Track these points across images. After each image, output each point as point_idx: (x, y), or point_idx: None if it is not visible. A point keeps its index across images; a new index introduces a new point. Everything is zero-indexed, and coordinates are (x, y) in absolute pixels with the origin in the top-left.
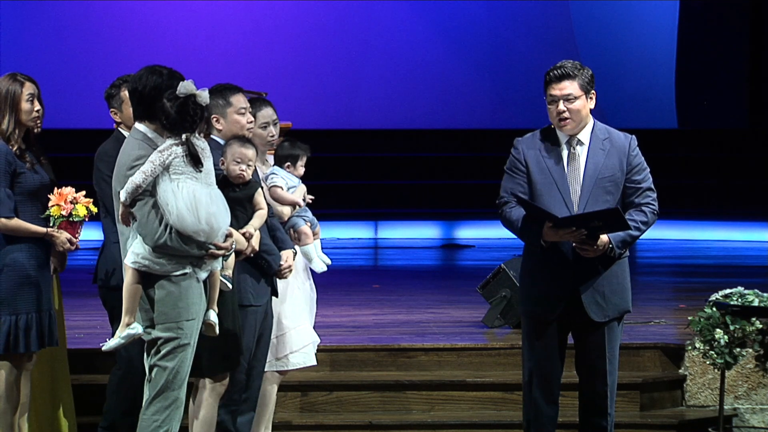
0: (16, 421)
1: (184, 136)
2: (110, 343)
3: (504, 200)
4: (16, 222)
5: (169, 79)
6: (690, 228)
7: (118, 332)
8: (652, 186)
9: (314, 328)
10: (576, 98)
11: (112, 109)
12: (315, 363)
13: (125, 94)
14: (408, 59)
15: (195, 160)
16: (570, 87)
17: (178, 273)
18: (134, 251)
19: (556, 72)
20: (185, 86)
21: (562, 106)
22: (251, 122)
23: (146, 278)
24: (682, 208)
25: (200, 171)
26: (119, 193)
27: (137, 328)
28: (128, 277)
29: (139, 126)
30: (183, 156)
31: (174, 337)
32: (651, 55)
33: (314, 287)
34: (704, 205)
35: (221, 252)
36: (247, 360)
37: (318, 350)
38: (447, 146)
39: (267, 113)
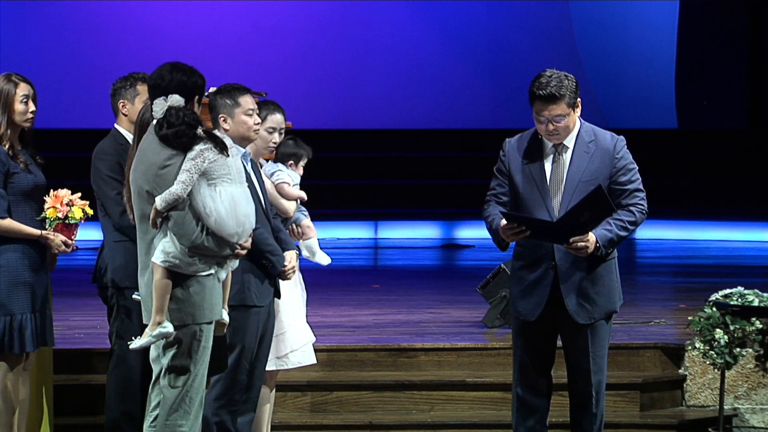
0: (15, 421)
1: (200, 130)
2: (139, 342)
3: (486, 200)
4: (10, 223)
5: (192, 76)
6: (690, 228)
7: (148, 330)
8: (641, 186)
9: (312, 327)
10: (564, 116)
11: (121, 101)
12: (315, 362)
13: (142, 88)
14: (408, 59)
15: (222, 148)
16: (558, 108)
17: (205, 273)
18: (164, 250)
19: (542, 92)
20: (156, 105)
21: (551, 126)
22: (258, 123)
23: (173, 277)
24: (682, 208)
25: (229, 159)
26: (146, 191)
27: (168, 327)
28: (158, 276)
29: None
30: (215, 160)
31: (198, 338)
32: (651, 55)
33: (304, 287)
34: (704, 205)
35: (244, 252)
36: (249, 360)
37: (318, 350)
38: (447, 146)
39: (277, 119)
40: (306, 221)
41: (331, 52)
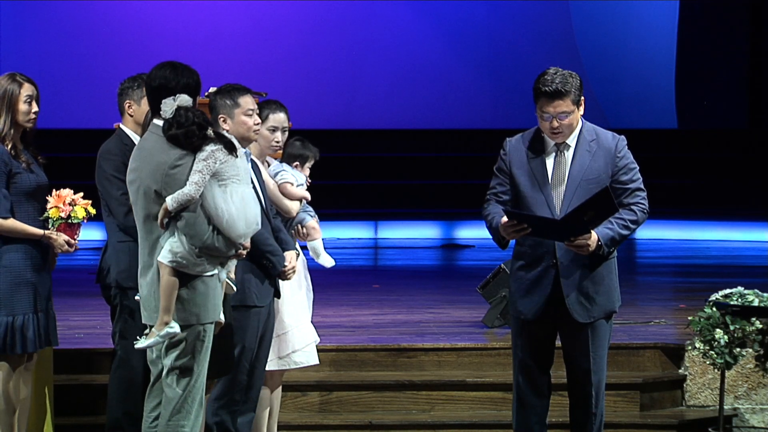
0: (15, 421)
1: (210, 131)
2: (146, 341)
3: (486, 198)
4: (12, 222)
5: (192, 75)
6: (690, 228)
7: (155, 330)
8: (642, 186)
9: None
10: (569, 113)
11: (128, 101)
12: (318, 362)
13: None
14: (408, 59)
15: (231, 148)
16: (563, 105)
17: (209, 273)
18: (172, 249)
19: (547, 89)
20: (165, 105)
21: (555, 122)
22: (258, 124)
23: (179, 277)
24: (682, 208)
25: (238, 159)
26: (154, 191)
27: (175, 327)
28: (164, 275)
29: (159, 122)
30: (226, 161)
31: (201, 339)
32: (651, 55)
33: (311, 287)
34: (704, 205)
35: (245, 252)
36: (249, 360)
37: (318, 350)
38: (447, 146)
39: (279, 118)
40: (311, 222)
41: (331, 52)
